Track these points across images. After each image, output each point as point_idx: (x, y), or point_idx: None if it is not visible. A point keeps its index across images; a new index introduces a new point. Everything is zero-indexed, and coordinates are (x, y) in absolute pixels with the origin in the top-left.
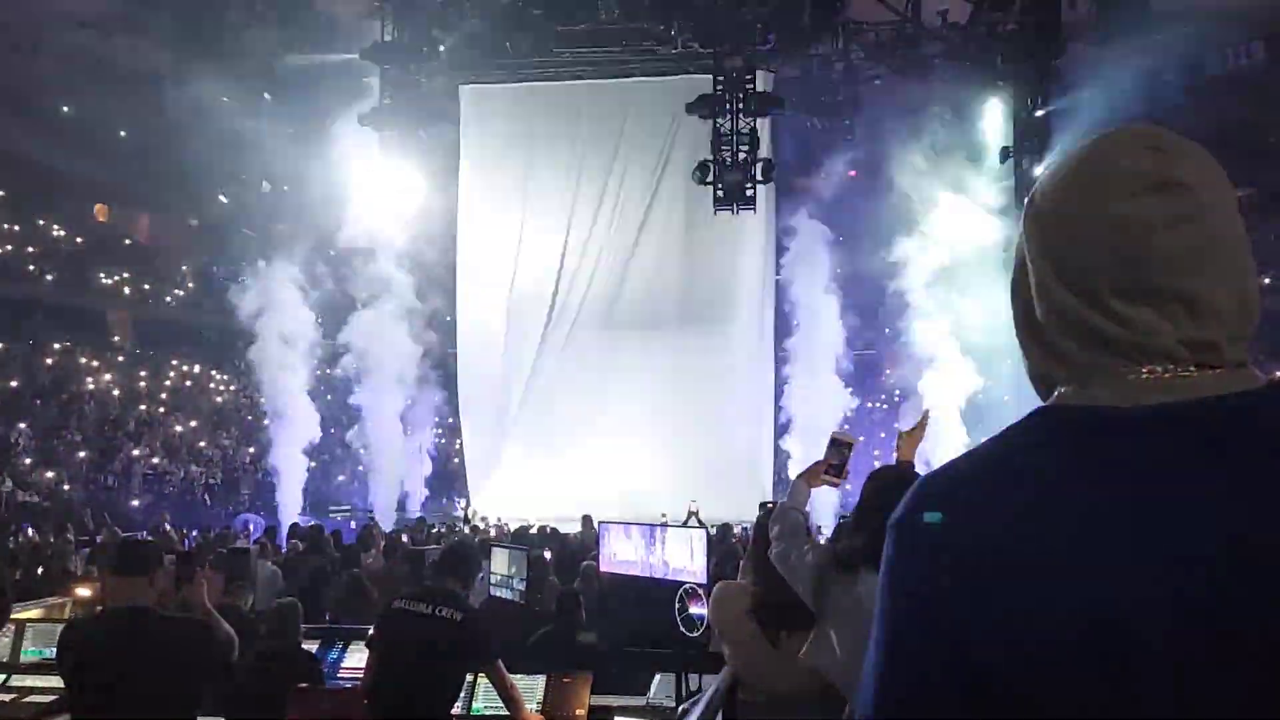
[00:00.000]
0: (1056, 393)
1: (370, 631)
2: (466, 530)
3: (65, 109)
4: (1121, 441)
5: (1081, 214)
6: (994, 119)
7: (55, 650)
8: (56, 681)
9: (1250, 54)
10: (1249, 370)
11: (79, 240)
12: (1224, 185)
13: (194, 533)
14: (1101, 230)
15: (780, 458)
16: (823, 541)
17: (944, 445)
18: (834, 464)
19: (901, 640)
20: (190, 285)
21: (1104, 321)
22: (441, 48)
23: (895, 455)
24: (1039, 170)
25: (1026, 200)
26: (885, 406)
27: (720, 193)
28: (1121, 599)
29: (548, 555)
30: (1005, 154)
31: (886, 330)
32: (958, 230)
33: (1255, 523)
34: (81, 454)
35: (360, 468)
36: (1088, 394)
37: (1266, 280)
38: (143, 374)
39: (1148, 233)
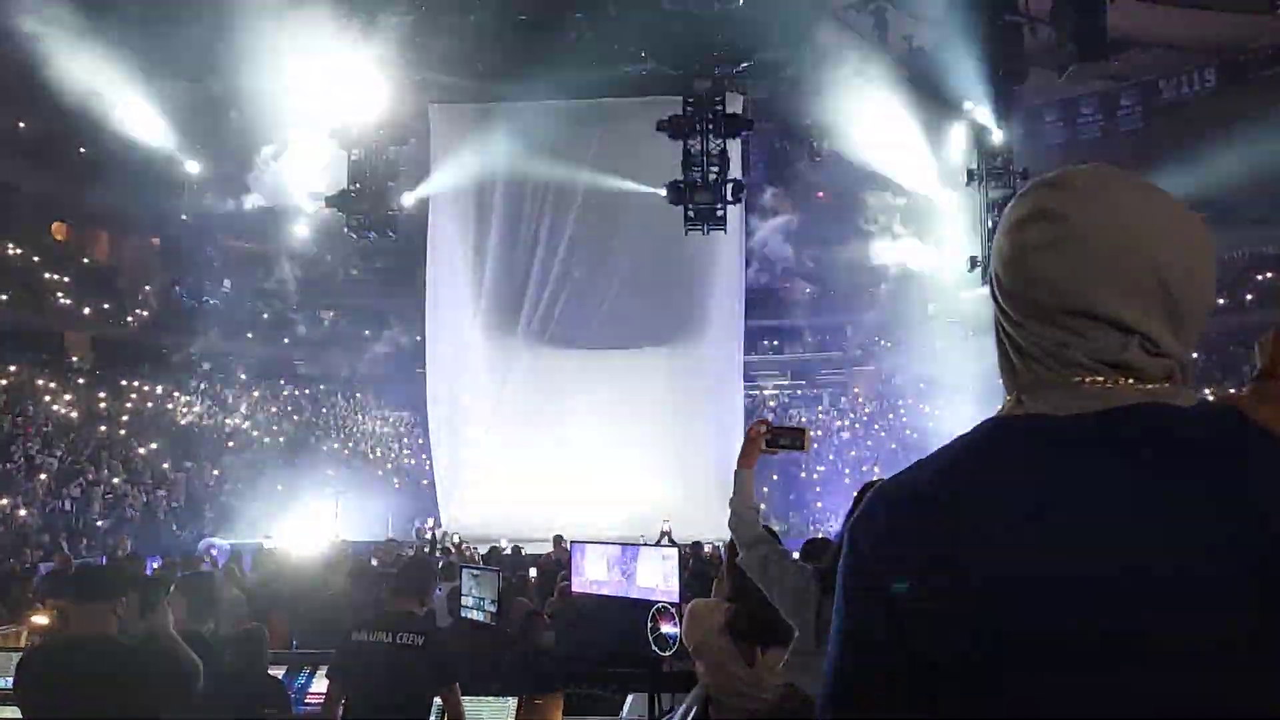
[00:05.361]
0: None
1: (332, 660)
2: (438, 552)
3: (21, 124)
4: (1051, 446)
5: (996, 245)
6: (958, 143)
7: (12, 680)
8: (14, 712)
9: (1204, 80)
10: (1174, 387)
11: (36, 259)
12: (1122, 215)
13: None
14: (1001, 258)
15: None
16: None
17: None
18: (782, 444)
19: (855, 635)
20: (152, 305)
21: (1026, 336)
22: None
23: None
24: (1001, 194)
25: None
26: (857, 426)
27: (691, 213)
28: (1053, 597)
29: (533, 574)
30: (970, 177)
31: (859, 351)
32: (923, 251)
33: (1169, 523)
34: (41, 477)
35: (329, 490)
36: (1027, 405)
37: (1220, 300)
38: (102, 395)
39: (1026, 257)
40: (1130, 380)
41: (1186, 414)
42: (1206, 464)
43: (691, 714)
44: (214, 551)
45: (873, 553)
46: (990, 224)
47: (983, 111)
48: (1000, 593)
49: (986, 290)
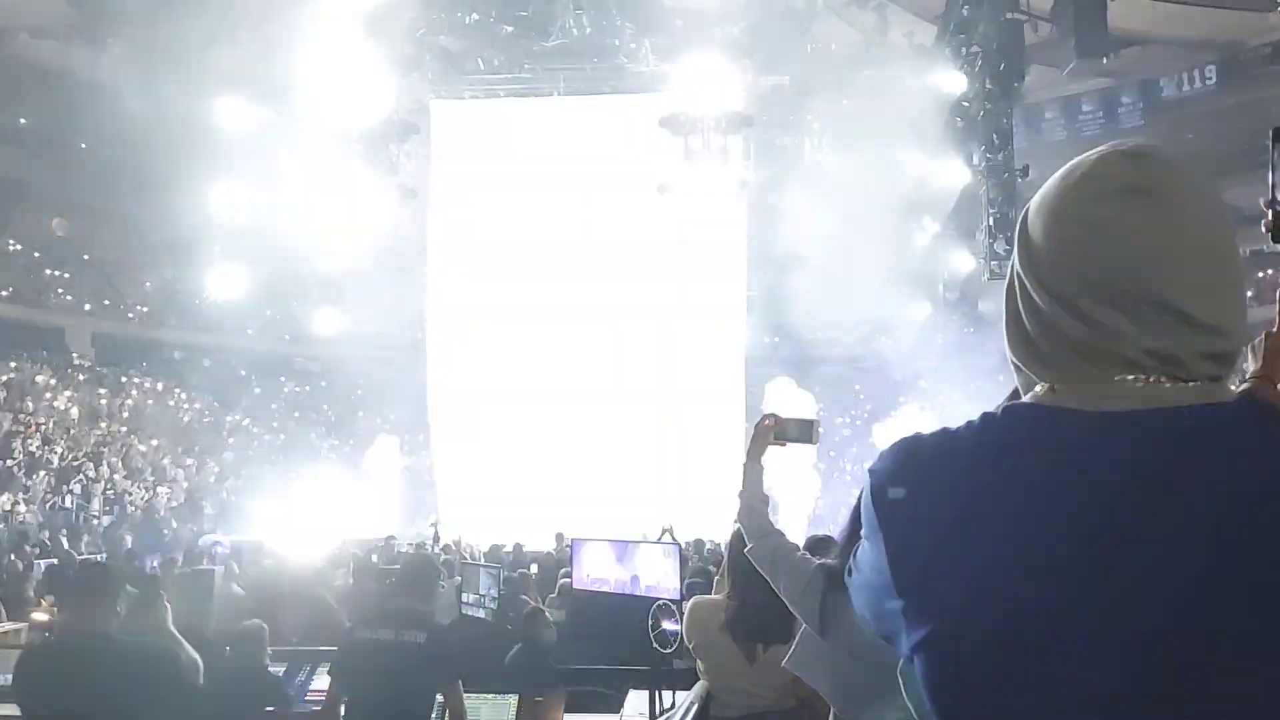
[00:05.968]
0: (1031, 392)
1: (334, 657)
2: (438, 549)
3: (22, 120)
4: (1075, 442)
5: (1059, 216)
6: (958, 140)
7: (11, 677)
8: (13, 709)
9: (1204, 77)
10: (1221, 386)
11: (36, 254)
12: (1207, 202)
13: (155, 556)
14: (1074, 231)
15: None
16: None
17: None
18: (790, 436)
19: (863, 560)
20: (153, 301)
21: (1074, 323)
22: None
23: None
24: (1001, 190)
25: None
26: (858, 423)
27: (691, 210)
28: (1036, 587)
29: (533, 570)
30: (969, 174)
31: (859, 348)
32: (923, 248)
33: (1186, 530)
34: (41, 473)
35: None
36: (1057, 396)
37: None
38: (102, 392)
39: (1116, 234)
40: (1173, 378)
41: (1220, 413)
42: (1236, 468)
43: (693, 711)
44: (217, 549)
45: (886, 497)
46: (990, 220)
47: (983, 109)
48: (978, 574)
49: (986, 284)
